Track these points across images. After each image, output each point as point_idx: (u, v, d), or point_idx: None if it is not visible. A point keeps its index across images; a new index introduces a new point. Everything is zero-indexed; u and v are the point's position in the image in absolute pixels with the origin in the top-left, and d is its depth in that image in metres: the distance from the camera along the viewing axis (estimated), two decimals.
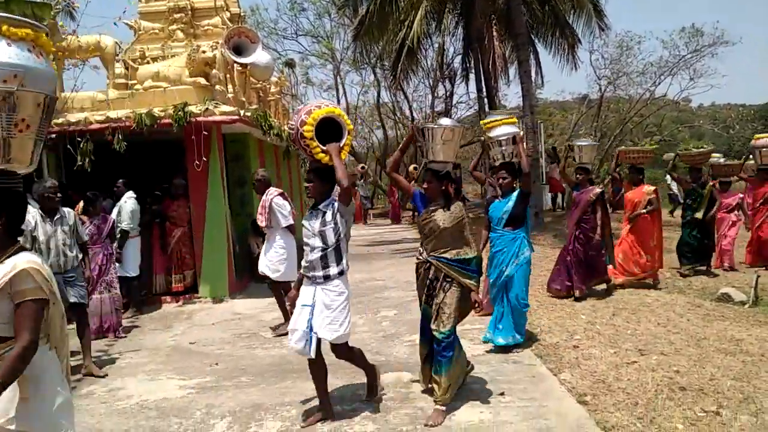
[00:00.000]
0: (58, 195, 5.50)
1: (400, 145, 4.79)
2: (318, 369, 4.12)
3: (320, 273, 3.95)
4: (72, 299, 5.37)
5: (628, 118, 21.56)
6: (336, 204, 3.98)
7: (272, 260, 6.46)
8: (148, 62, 9.48)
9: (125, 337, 6.83)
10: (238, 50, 9.38)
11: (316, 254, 3.96)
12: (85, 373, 5.43)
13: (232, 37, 9.31)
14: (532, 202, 14.53)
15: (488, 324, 5.71)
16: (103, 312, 6.66)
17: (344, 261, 4.04)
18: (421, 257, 4.25)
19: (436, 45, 20.01)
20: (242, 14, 11.74)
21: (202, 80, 8.61)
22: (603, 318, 6.40)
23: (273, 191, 6.57)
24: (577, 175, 7.58)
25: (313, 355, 3.96)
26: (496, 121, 5.99)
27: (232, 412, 4.39)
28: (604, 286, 7.69)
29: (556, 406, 4.18)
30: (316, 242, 3.96)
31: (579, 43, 18.44)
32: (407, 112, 24.81)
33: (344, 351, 4.16)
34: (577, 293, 7.26)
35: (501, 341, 5.44)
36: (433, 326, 4.14)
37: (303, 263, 4.08)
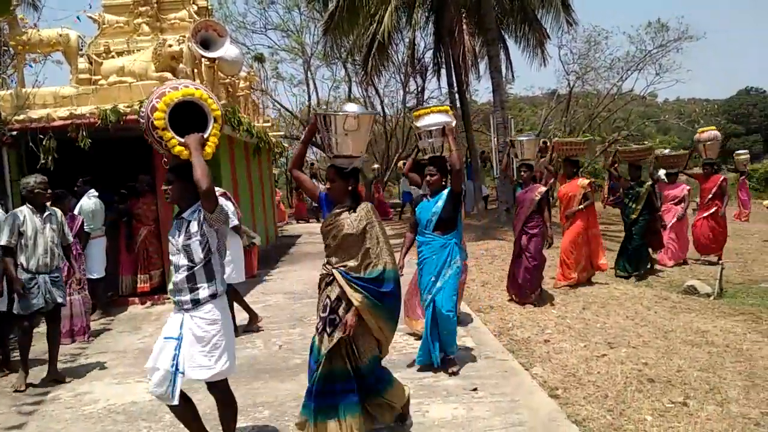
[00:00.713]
0: (48, 190, 5.37)
1: (302, 138, 3.82)
2: (184, 412, 3.45)
3: (187, 297, 3.28)
4: (59, 299, 5.29)
5: (596, 113, 21.85)
6: (202, 212, 3.27)
7: None
8: (112, 56, 9.25)
9: (93, 340, 6.67)
10: (206, 44, 9.20)
11: (182, 274, 3.28)
12: (50, 378, 5.28)
13: (199, 30, 9.13)
14: (505, 197, 14.79)
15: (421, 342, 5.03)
16: (74, 314, 6.50)
17: (218, 281, 3.34)
18: (325, 269, 3.56)
19: (407, 39, 19.93)
20: (209, 7, 11.50)
21: (168, 75, 8.43)
22: (573, 312, 6.49)
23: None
24: (522, 173, 6.95)
25: (176, 401, 3.26)
26: (426, 109, 5.49)
27: (202, 415, 4.27)
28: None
29: (527, 401, 4.22)
30: (181, 260, 3.29)
31: (548, 38, 18.58)
32: (379, 108, 24.78)
33: (221, 390, 3.48)
34: (525, 300, 6.82)
35: (432, 359, 4.86)
36: (351, 361, 3.48)
37: (169, 286, 3.46)
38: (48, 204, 5.48)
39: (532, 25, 18.33)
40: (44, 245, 5.22)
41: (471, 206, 18.31)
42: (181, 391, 3.29)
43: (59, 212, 5.55)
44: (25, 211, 5.22)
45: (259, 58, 22.99)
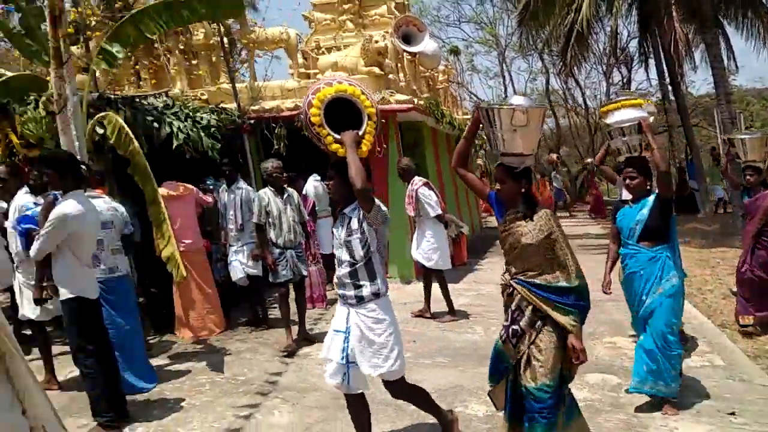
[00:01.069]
0: (284, 174, 5.95)
1: (465, 132, 3.49)
2: (357, 410, 3.49)
3: (351, 292, 3.32)
4: (304, 272, 5.97)
5: None
6: (361, 210, 3.27)
7: (424, 249, 6.66)
8: (323, 52, 9.82)
9: (329, 308, 7.38)
10: (407, 39, 9.47)
11: (345, 269, 3.34)
12: (301, 338, 5.94)
13: (400, 26, 9.42)
14: (736, 201, 12.87)
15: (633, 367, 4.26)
16: (312, 283, 7.25)
17: (380, 280, 3.34)
18: (503, 279, 3.29)
19: (609, 28, 18.72)
20: (406, 3, 11.75)
21: (376, 69, 8.75)
22: None
23: (418, 181, 6.66)
24: (747, 176, 5.89)
25: (357, 389, 3.41)
26: (614, 103, 4.79)
27: (436, 389, 4.36)
28: None
29: None
30: (344, 255, 3.35)
31: None
32: (580, 100, 23.67)
33: (399, 389, 3.50)
34: (749, 320, 5.68)
35: (647, 389, 4.07)
36: (523, 378, 3.10)
37: (334, 278, 3.51)
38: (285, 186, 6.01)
39: (756, 9, 16.15)
40: (287, 223, 5.78)
41: (699, 209, 16.44)
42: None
43: (295, 193, 6.09)
44: (268, 193, 5.80)
45: (455, 51, 23.16)
